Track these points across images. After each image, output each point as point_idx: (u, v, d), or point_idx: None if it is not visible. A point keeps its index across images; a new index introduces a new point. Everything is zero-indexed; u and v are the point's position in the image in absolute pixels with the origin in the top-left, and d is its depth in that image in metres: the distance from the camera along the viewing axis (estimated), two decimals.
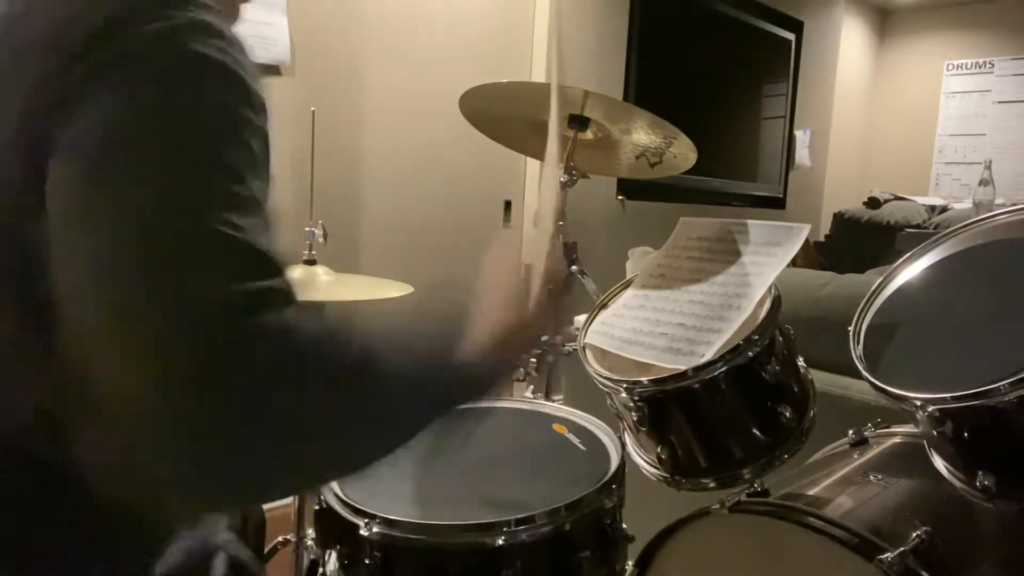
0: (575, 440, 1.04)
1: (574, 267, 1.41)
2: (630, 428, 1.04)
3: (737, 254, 1.04)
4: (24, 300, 0.54)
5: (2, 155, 0.54)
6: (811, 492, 0.95)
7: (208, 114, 0.53)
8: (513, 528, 0.81)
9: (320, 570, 0.92)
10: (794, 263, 0.99)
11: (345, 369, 0.51)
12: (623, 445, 1.03)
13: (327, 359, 0.51)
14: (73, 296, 0.49)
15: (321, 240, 1.52)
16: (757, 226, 1.06)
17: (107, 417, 0.48)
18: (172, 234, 0.48)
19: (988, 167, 3.40)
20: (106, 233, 0.48)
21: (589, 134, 1.44)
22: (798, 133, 4.56)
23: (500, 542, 0.81)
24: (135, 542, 0.63)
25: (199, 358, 0.45)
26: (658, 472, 1.02)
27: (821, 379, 1.21)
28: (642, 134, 1.39)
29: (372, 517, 0.83)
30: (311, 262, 1.52)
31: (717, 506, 0.91)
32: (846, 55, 5.05)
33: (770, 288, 0.97)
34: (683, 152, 1.37)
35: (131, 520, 0.59)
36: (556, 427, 1.08)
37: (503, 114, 1.51)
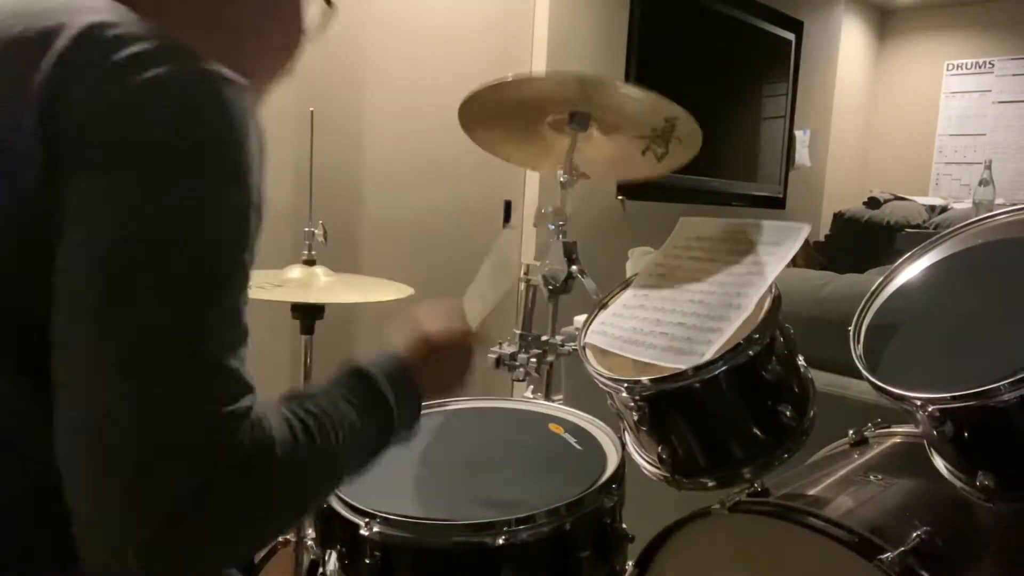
0: (571, 440, 1.04)
1: (574, 267, 1.42)
2: (630, 428, 1.04)
3: (737, 254, 1.04)
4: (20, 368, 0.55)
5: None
6: (811, 492, 0.95)
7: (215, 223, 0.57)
8: (513, 528, 0.81)
9: (320, 570, 0.92)
10: (794, 263, 0.99)
11: (308, 464, 0.58)
12: (623, 445, 1.03)
13: (295, 460, 0.57)
14: (67, 391, 0.51)
15: (321, 240, 1.52)
16: (757, 226, 1.06)
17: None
18: (163, 357, 0.51)
19: (988, 167, 3.40)
20: (104, 338, 0.50)
21: (591, 132, 1.44)
22: (798, 133, 4.56)
23: (500, 542, 0.81)
24: None
25: (188, 485, 0.50)
26: (658, 472, 1.02)
27: (821, 379, 1.21)
28: (643, 117, 1.38)
29: (372, 517, 0.83)
30: (311, 262, 1.52)
31: (717, 506, 0.91)
32: (846, 55, 5.05)
33: (770, 288, 0.97)
34: (688, 134, 1.37)
35: None
36: (552, 427, 1.08)
37: (501, 122, 1.51)
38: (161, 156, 0.53)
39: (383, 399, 0.68)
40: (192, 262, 0.53)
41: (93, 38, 0.54)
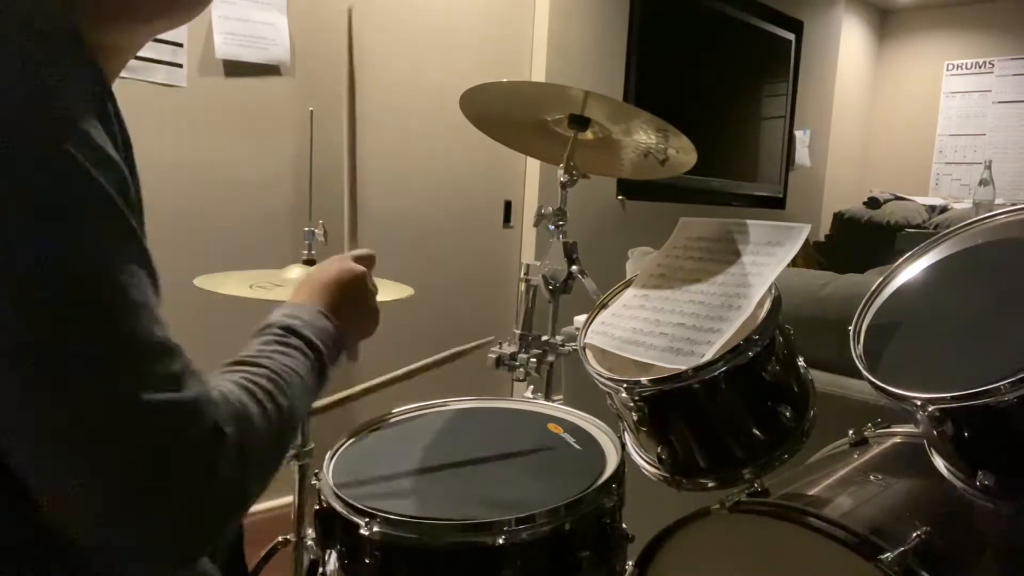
0: (571, 440, 1.04)
1: (574, 267, 1.42)
2: (630, 428, 1.04)
3: (737, 254, 1.04)
4: None
5: None
6: (811, 492, 0.95)
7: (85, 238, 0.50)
8: (513, 527, 0.81)
9: (320, 570, 0.92)
10: (794, 263, 0.99)
11: (264, 432, 0.59)
12: (623, 445, 1.03)
13: (249, 430, 0.58)
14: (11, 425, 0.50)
15: (321, 240, 1.52)
16: (757, 226, 1.06)
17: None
18: (90, 353, 0.49)
19: (988, 167, 3.40)
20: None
21: (589, 134, 1.44)
22: (798, 133, 4.56)
23: (500, 541, 0.81)
24: None
25: (147, 465, 0.50)
26: (658, 472, 1.02)
27: (821, 379, 1.21)
28: (642, 134, 1.39)
29: (372, 516, 0.83)
30: (311, 262, 1.52)
31: (717, 506, 0.91)
32: (846, 55, 5.05)
33: (770, 288, 0.97)
34: (683, 147, 1.37)
35: None
36: (551, 427, 1.08)
37: (503, 114, 1.51)
38: None
39: (316, 349, 0.72)
40: (71, 286, 0.49)
41: None
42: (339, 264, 0.85)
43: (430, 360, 1.22)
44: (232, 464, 0.54)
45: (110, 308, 0.50)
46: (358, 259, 0.87)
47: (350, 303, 0.82)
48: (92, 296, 0.50)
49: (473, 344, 1.25)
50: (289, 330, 0.71)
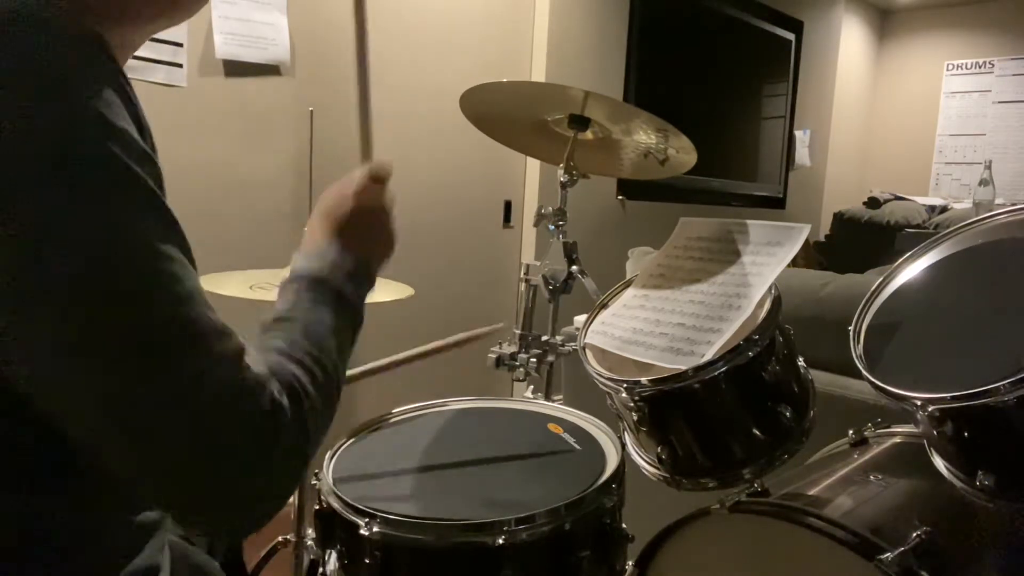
0: (571, 440, 1.04)
1: (574, 267, 1.42)
2: (630, 428, 1.04)
3: (737, 254, 1.04)
4: None
5: None
6: (811, 492, 0.95)
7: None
8: (513, 528, 0.81)
9: (320, 570, 0.92)
10: (794, 263, 0.99)
11: (316, 398, 0.62)
12: (623, 445, 1.03)
13: (297, 404, 0.59)
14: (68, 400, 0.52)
15: None
16: (757, 226, 1.06)
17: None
18: (156, 346, 0.51)
19: (988, 167, 3.40)
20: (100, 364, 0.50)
21: (589, 134, 1.44)
22: (798, 133, 4.57)
23: (500, 541, 0.81)
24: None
25: (212, 440, 0.53)
26: (658, 472, 1.02)
27: (821, 379, 1.21)
28: (642, 134, 1.39)
29: (372, 517, 0.83)
30: None
31: (717, 506, 0.91)
32: (846, 55, 5.05)
33: (770, 288, 0.97)
34: (683, 147, 1.37)
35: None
36: (551, 427, 1.08)
37: (503, 114, 1.51)
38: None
39: (346, 298, 0.71)
40: (134, 274, 0.51)
41: None
42: (347, 192, 0.81)
43: (447, 341, 1.21)
44: (293, 434, 0.57)
45: (169, 296, 0.52)
46: (371, 178, 0.83)
47: (366, 230, 0.80)
48: (152, 286, 0.51)
49: (487, 329, 1.23)
50: (319, 281, 0.71)
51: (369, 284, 0.77)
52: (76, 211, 0.49)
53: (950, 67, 5.25)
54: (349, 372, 1.17)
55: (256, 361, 0.57)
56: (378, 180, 0.83)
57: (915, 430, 1.03)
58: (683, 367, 0.91)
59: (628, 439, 1.06)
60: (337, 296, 0.71)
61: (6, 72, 0.48)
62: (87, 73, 0.51)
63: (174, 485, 0.54)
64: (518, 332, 1.42)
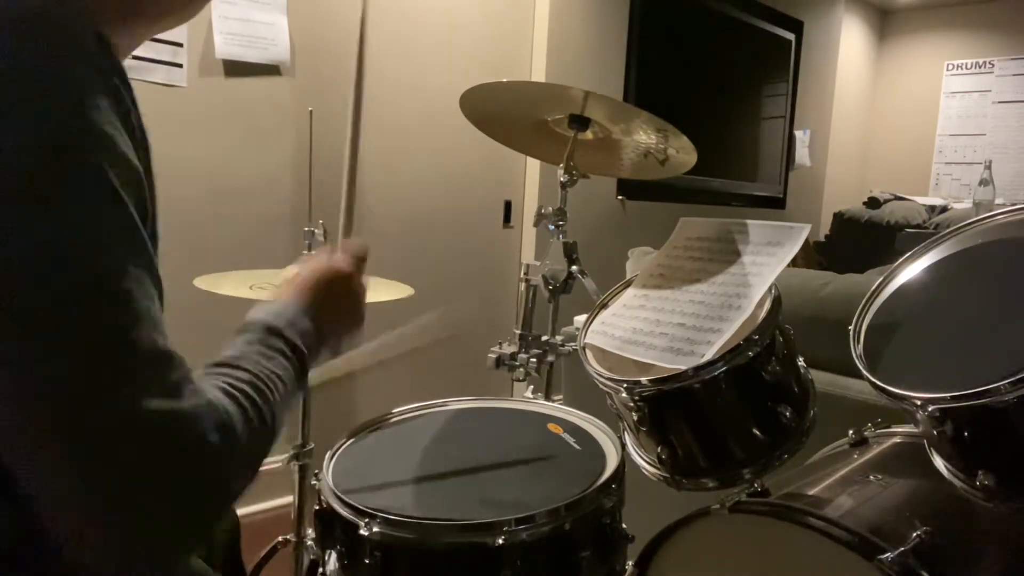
0: (571, 440, 1.04)
1: (574, 267, 1.42)
2: (630, 428, 1.04)
3: (737, 254, 1.04)
4: None
5: None
6: (811, 492, 0.95)
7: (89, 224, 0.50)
8: (513, 528, 0.81)
9: (320, 570, 0.92)
10: (794, 263, 0.99)
11: (243, 436, 0.59)
12: (623, 445, 1.03)
13: (251, 429, 0.59)
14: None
15: (321, 240, 1.52)
16: (757, 226, 1.06)
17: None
18: (94, 367, 0.50)
19: (988, 167, 3.40)
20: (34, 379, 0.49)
21: (589, 134, 1.44)
22: (798, 133, 4.56)
23: (500, 542, 0.81)
24: None
25: (142, 470, 0.51)
26: (658, 472, 1.02)
27: (821, 379, 1.21)
28: (642, 134, 1.39)
29: (372, 517, 0.83)
30: None
31: (717, 506, 0.91)
32: (846, 55, 5.05)
33: (770, 288, 0.97)
34: (683, 147, 1.37)
35: None
36: (551, 427, 1.08)
37: (503, 114, 1.51)
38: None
39: (297, 350, 0.71)
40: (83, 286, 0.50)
41: None
42: (325, 262, 0.84)
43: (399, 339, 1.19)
44: (216, 469, 0.55)
45: (115, 315, 0.50)
46: (349, 257, 0.86)
47: (333, 302, 0.81)
48: (97, 302, 0.50)
49: (440, 335, 1.21)
50: (271, 331, 0.71)
51: (320, 346, 0.77)
52: (39, 213, 0.48)
53: (950, 67, 5.25)
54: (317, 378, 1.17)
55: (200, 394, 0.55)
56: (359, 259, 0.86)
57: (915, 430, 1.03)
58: (683, 367, 0.91)
59: (628, 439, 1.06)
60: (288, 345, 0.71)
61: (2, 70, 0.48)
62: (80, 76, 0.50)
63: (87, 507, 0.50)
64: (518, 332, 1.42)
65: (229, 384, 0.61)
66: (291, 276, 0.83)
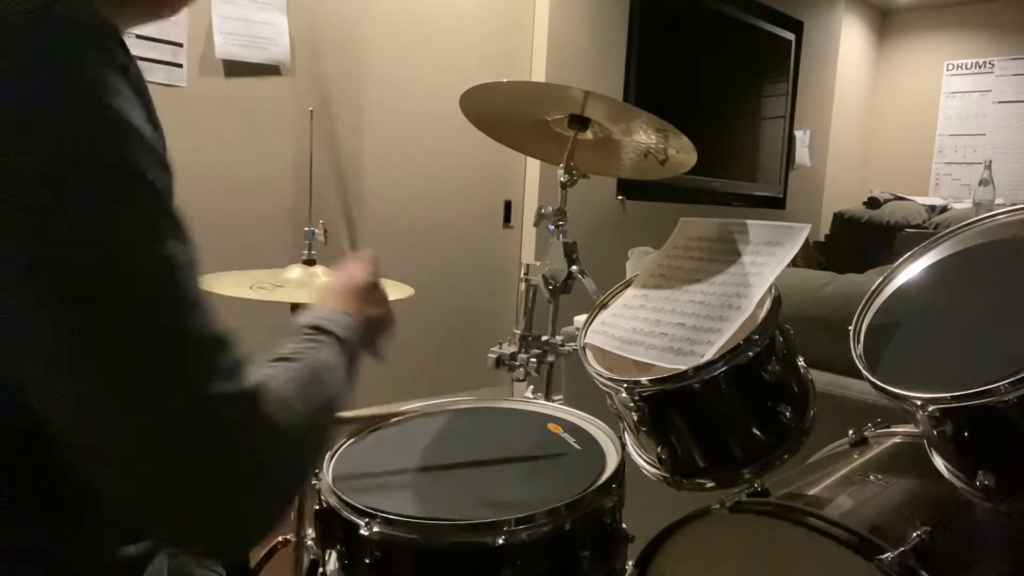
0: (571, 440, 1.04)
1: (574, 267, 1.42)
2: (630, 428, 1.04)
3: (737, 254, 1.04)
4: None
5: None
6: (811, 492, 0.95)
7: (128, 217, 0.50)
8: (513, 528, 0.81)
9: (320, 570, 0.92)
10: (794, 263, 0.99)
11: (305, 415, 0.61)
12: (623, 445, 1.03)
13: (292, 412, 0.60)
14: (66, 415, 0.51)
15: (321, 240, 1.52)
16: (757, 226, 1.06)
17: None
18: (153, 351, 0.51)
19: (988, 167, 3.40)
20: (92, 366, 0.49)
21: (589, 134, 1.44)
22: (798, 133, 4.57)
23: (500, 541, 0.81)
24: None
25: (206, 451, 0.52)
26: (658, 472, 1.02)
27: (821, 379, 1.21)
28: (642, 134, 1.39)
29: (372, 516, 0.83)
30: (310, 262, 1.52)
31: (717, 506, 0.91)
32: (846, 55, 5.05)
33: (770, 288, 0.97)
34: (683, 147, 1.37)
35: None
36: (551, 427, 1.08)
37: (503, 114, 1.51)
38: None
39: (344, 341, 0.75)
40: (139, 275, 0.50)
41: None
42: (351, 272, 0.91)
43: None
44: (284, 450, 0.57)
45: (177, 305, 0.52)
46: (368, 266, 0.93)
47: (366, 306, 0.87)
48: (159, 294, 0.51)
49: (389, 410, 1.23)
50: (318, 328, 0.75)
51: (363, 342, 0.83)
52: (86, 213, 0.48)
53: (950, 67, 5.25)
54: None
55: (256, 375, 0.56)
56: (374, 268, 0.93)
57: (915, 430, 1.03)
58: (683, 367, 0.91)
59: (628, 439, 1.06)
60: (334, 337, 0.75)
61: (23, 70, 0.47)
62: (106, 70, 0.50)
63: (166, 495, 0.52)
64: (518, 332, 1.42)
65: (285, 370, 0.64)
66: (326, 286, 0.89)
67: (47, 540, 0.59)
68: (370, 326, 0.86)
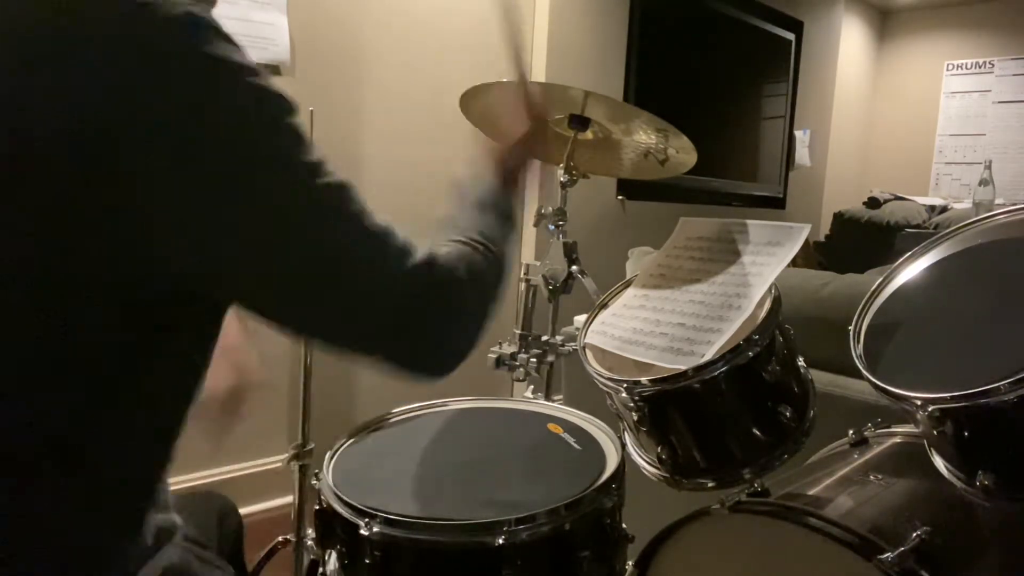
0: (571, 440, 1.04)
1: (574, 267, 1.42)
2: (630, 428, 1.04)
3: (737, 254, 1.04)
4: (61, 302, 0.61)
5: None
6: (811, 492, 0.95)
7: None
8: (513, 528, 0.81)
9: (320, 570, 0.92)
10: (794, 263, 0.99)
11: (480, 262, 0.78)
12: (623, 445, 1.03)
13: (466, 264, 0.76)
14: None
15: None
16: (757, 226, 1.06)
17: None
18: (359, 249, 0.67)
19: (988, 167, 3.40)
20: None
21: (589, 134, 1.44)
22: (798, 133, 4.56)
23: (500, 541, 0.81)
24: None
25: (412, 308, 0.69)
26: (658, 472, 1.02)
27: (821, 379, 1.21)
28: (642, 134, 1.39)
29: (372, 516, 0.83)
30: None
31: (717, 506, 0.91)
32: (846, 55, 5.05)
33: (770, 288, 0.97)
34: (683, 147, 1.37)
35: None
36: (551, 427, 1.08)
37: (503, 114, 1.51)
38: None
39: (503, 207, 0.94)
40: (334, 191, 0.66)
41: None
42: (524, 115, 1.07)
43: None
44: (473, 296, 0.75)
45: (362, 210, 0.68)
46: (525, 98, 1.07)
47: (528, 151, 1.03)
48: (348, 205, 0.67)
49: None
50: (483, 204, 0.92)
51: (513, 193, 0.99)
52: (289, 153, 0.65)
53: (950, 67, 5.25)
54: None
55: (432, 245, 0.73)
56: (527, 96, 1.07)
57: (915, 430, 1.03)
58: (683, 367, 0.91)
59: (628, 439, 1.06)
60: (496, 205, 0.93)
61: (219, 58, 0.66)
62: (239, 51, 0.69)
63: (387, 348, 0.70)
64: (518, 332, 1.42)
65: (455, 235, 0.81)
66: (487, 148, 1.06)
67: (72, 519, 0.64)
68: (524, 172, 1.02)
